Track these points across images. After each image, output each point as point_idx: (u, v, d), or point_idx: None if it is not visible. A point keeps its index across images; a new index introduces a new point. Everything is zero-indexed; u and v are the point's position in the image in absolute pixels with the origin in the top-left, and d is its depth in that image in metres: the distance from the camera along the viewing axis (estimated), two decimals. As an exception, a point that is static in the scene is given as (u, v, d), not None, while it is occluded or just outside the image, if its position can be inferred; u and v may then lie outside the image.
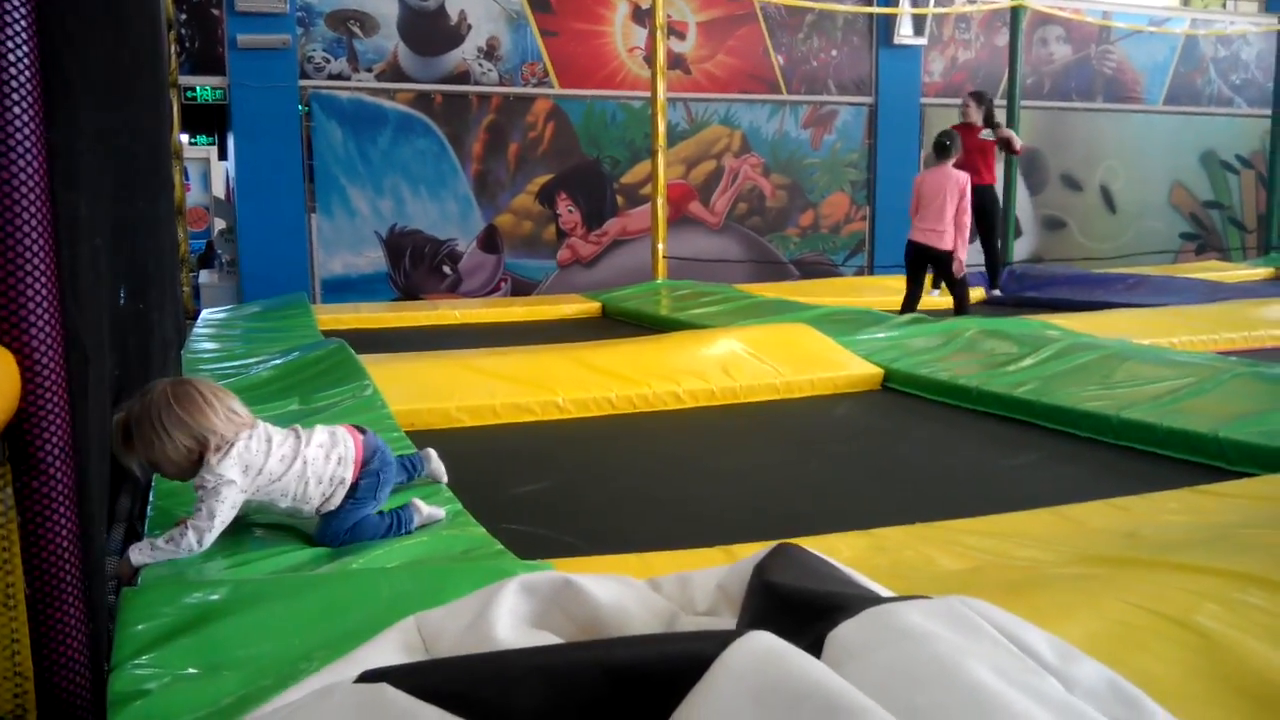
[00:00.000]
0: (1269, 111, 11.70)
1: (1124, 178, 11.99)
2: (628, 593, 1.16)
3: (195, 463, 2.20)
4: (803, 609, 1.01)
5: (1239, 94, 12.53)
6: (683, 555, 2.25)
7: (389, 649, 1.04)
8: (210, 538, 2.20)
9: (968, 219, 6.56)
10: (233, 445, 2.20)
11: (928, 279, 7.24)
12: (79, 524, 1.40)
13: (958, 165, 7.18)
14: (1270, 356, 5.05)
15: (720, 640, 0.79)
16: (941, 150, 6.68)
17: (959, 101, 8.53)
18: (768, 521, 2.80)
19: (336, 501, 2.32)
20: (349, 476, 2.33)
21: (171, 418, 2.15)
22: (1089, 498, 2.79)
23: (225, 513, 2.19)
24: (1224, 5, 13.16)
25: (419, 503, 2.43)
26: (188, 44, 8.58)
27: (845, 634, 0.93)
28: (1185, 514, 2.63)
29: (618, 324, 7.26)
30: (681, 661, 0.78)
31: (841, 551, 2.31)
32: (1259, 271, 9.98)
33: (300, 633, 1.75)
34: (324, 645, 1.70)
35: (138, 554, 2.16)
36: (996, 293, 8.29)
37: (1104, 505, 2.71)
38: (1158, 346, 4.95)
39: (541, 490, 3.14)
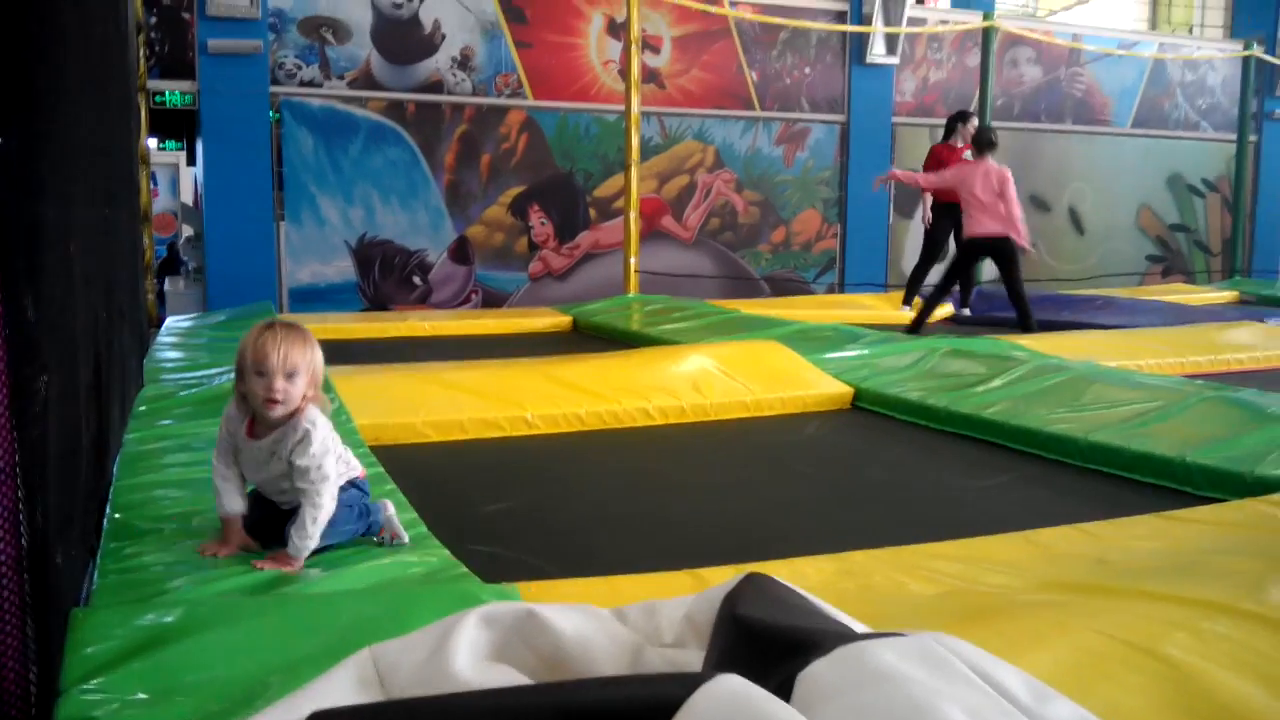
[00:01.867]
0: (1234, 136, 11.88)
1: (1092, 199, 12.11)
2: (592, 624, 1.13)
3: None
4: (773, 645, 0.98)
5: (1205, 118, 12.70)
6: (651, 579, 2.22)
7: (342, 684, 1.00)
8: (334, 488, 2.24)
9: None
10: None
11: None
12: (25, 547, 1.34)
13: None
14: (1235, 380, 5.09)
15: (688, 684, 0.76)
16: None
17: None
18: (737, 543, 2.78)
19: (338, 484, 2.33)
20: (356, 468, 2.39)
21: (313, 338, 2.24)
22: (1057, 521, 2.78)
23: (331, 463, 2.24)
24: (1190, 31, 13.36)
25: (388, 503, 2.41)
26: (157, 48, 8.48)
27: (817, 673, 0.90)
28: (1153, 540, 2.63)
29: (589, 338, 7.23)
30: (647, 706, 0.75)
31: (810, 576, 2.29)
32: (1224, 295, 10.10)
33: (256, 656, 1.70)
34: (280, 669, 1.66)
35: (300, 544, 2.18)
36: (965, 311, 8.35)
37: (1072, 530, 2.71)
38: (1125, 369, 4.98)
39: (508, 509, 3.10)
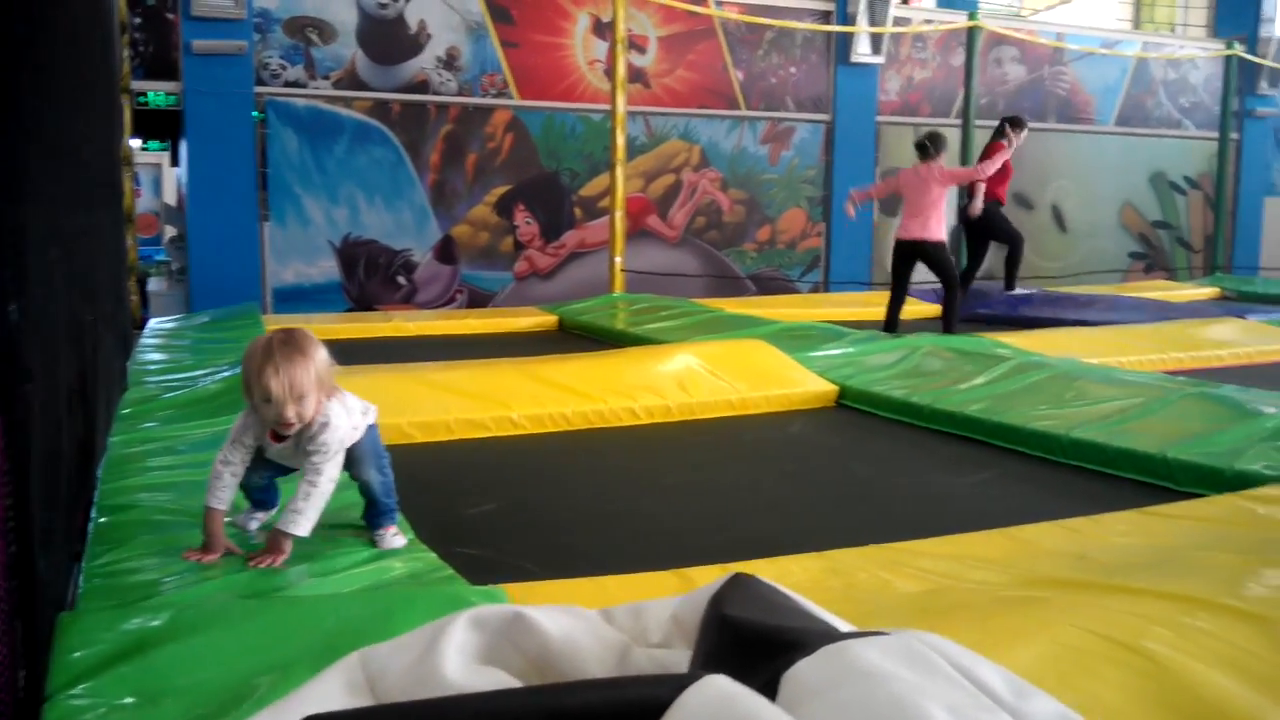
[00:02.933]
0: (1216, 134, 11.96)
1: (1075, 197, 12.16)
2: (579, 625, 1.14)
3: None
4: (759, 645, 0.99)
5: (1188, 116, 12.78)
6: (637, 579, 2.23)
7: (332, 688, 1.01)
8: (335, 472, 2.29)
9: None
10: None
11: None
12: (15, 553, 1.35)
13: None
14: (1216, 376, 5.14)
15: (675, 685, 0.77)
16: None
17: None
18: (723, 542, 2.79)
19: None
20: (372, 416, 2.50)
21: (315, 348, 2.26)
22: (1040, 518, 2.81)
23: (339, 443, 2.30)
24: (1173, 30, 13.43)
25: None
26: (141, 48, 8.44)
27: (802, 672, 0.92)
28: (1134, 535, 2.66)
29: (574, 338, 7.23)
30: (635, 708, 0.76)
31: (795, 574, 2.30)
32: (1205, 291, 10.17)
33: (244, 659, 1.71)
34: (269, 672, 1.67)
35: (296, 528, 2.22)
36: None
37: (1054, 526, 2.73)
38: (1107, 366, 5.02)
39: (495, 510, 3.11)
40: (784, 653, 0.94)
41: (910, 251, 7.00)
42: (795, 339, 5.61)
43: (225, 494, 2.29)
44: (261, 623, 1.82)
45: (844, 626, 1.18)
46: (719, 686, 0.78)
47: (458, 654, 1.02)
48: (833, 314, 7.73)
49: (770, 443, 4.13)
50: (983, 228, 8.47)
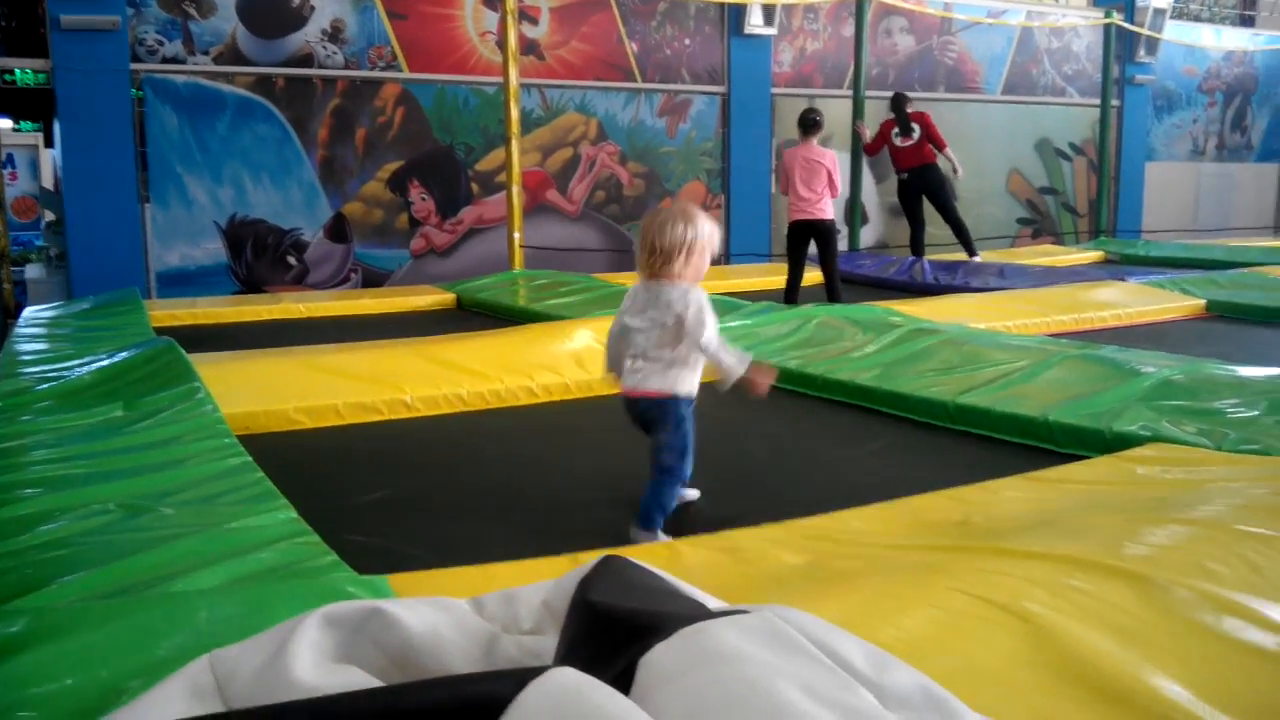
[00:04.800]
0: (1098, 101, 12.32)
1: (964, 165, 12.40)
2: (443, 618, 1.11)
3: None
4: (618, 630, 0.98)
5: (1071, 84, 13.12)
6: (529, 565, 2.19)
7: (174, 695, 0.96)
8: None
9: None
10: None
11: None
12: None
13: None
14: (1098, 337, 5.31)
15: (518, 680, 0.75)
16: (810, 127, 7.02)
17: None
18: (619, 524, 2.77)
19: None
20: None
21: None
22: (929, 487, 2.85)
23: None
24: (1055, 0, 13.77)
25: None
26: (3, 23, 8.03)
27: (658, 657, 0.90)
28: (1017, 501, 2.72)
29: (473, 316, 7.14)
30: (475, 705, 0.74)
31: (688, 555, 2.30)
32: (1090, 255, 10.50)
33: (110, 662, 1.63)
34: (137, 675, 1.60)
35: (738, 364, 2.90)
36: (978, 258, 9.15)
37: (939, 496, 2.77)
38: (993, 330, 5.14)
39: (386, 497, 3.05)
40: (642, 637, 0.93)
41: (811, 232, 7.01)
42: (692, 311, 5.61)
43: None
44: (129, 623, 1.75)
45: (714, 604, 1.17)
46: (564, 679, 0.76)
47: (311, 653, 0.99)
48: (733, 286, 7.78)
49: (667, 417, 4.13)
50: (927, 190, 9.02)
